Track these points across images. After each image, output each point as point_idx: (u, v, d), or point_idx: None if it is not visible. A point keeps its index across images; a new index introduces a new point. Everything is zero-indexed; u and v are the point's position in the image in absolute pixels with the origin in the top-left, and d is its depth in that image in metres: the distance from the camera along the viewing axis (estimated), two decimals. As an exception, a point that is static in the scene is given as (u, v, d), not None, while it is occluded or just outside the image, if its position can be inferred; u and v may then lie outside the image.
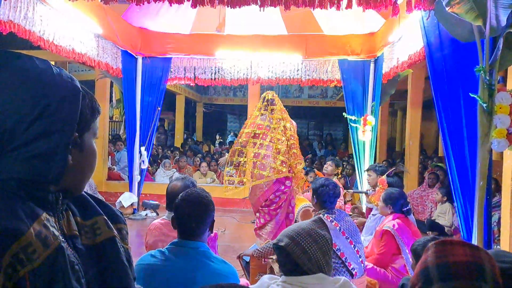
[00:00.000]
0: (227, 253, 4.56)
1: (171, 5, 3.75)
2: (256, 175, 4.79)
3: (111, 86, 9.42)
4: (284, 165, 4.79)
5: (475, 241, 2.97)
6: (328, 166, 6.26)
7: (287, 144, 4.86)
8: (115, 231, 1.01)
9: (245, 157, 4.94)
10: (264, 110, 4.99)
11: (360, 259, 3.10)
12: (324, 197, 3.22)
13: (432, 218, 6.45)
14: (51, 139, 0.84)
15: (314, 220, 1.85)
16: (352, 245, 3.09)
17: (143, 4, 3.68)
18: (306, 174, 7.30)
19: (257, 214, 4.82)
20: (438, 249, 1.04)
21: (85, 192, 1.02)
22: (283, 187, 4.77)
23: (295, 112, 19.87)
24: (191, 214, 2.06)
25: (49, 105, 0.84)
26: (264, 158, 4.80)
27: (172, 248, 2.03)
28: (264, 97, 5.05)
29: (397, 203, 3.79)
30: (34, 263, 0.78)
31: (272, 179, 4.73)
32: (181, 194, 2.16)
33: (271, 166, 4.75)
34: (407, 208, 3.85)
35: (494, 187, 4.97)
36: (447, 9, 2.93)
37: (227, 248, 5.07)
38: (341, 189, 6.10)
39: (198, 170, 9.04)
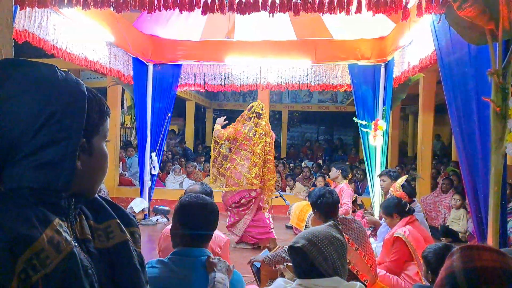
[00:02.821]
0: (238, 259, 4.55)
1: (181, 13, 3.77)
2: (231, 182, 5.40)
3: (123, 93, 9.50)
4: (258, 178, 5.42)
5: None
6: (332, 172, 6.31)
7: (264, 158, 5.47)
8: (128, 234, 1.02)
9: (228, 162, 5.58)
10: (251, 122, 5.37)
11: (371, 268, 3.06)
12: (325, 207, 3.19)
13: (446, 224, 6.38)
14: (58, 147, 0.84)
15: (329, 225, 1.87)
16: (362, 256, 3.05)
17: (154, 12, 3.71)
18: (316, 179, 7.31)
19: (228, 213, 5.50)
20: (465, 254, 1.03)
21: (98, 195, 1.02)
22: (253, 193, 5.44)
23: (304, 117, 20.04)
24: (201, 217, 2.01)
25: (54, 113, 0.84)
26: (239, 167, 5.35)
27: (174, 258, 1.95)
28: (254, 109, 5.41)
29: (397, 207, 3.77)
30: (47, 268, 0.79)
31: (244, 188, 5.40)
32: (183, 198, 2.11)
33: (245, 176, 5.38)
34: (409, 206, 3.82)
35: (509, 192, 4.89)
36: (458, 12, 2.90)
37: (238, 254, 5.06)
38: (351, 192, 6.11)
39: (208, 175, 9.04)
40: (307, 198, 5.40)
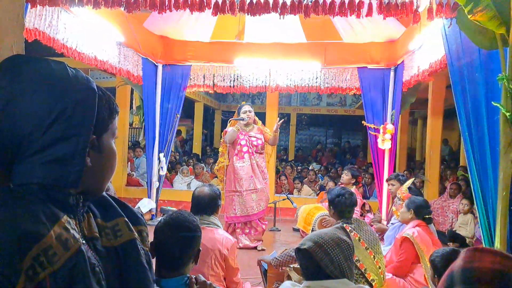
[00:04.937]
0: (244, 260, 4.55)
1: (192, 13, 3.78)
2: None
3: (132, 93, 9.54)
4: None
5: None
6: (344, 176, 6.21)
7: None
8: (135, 233, 1.02)
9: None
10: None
11: (380, 270, 3.05)
12: (341, 207, 3.20)
13: (453, 229, 6.33)
14: (68, 143, 0.85)
15: (336, 227, 1.88)
16: (372, 256, 3.05)
17: (165, 12, 3.72)
18: (327, 183, 7.27)
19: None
20: (468, 255, 1.04)
21: (106, 193, 1.03)
22: None
23: (313, 120, 19.98)
24: (175, 240, 1.80)
25: (65, 109, 0.84)
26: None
27: None
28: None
29: (419, 208, 3.75)
30: (55, 265, 0.79)
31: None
32: (163, 217, 1.96)
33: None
34: (429, 216, 3.80)
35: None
36: (469, 17, 2.89)
37: (244, 255, 5.04)
38: (359, 199, 6.05)
39: (216, 177, 9.04)
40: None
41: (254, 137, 5.56)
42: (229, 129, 5.56)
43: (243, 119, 5.53)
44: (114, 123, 0.97)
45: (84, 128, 0.87)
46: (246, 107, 5.65)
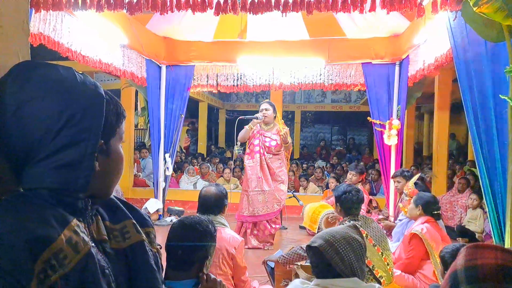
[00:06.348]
0: (252, 259, 4.55)
1: (194, 14, 3.78)
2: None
3: (136, 94, 9.57)
4: None
5: (507, 247, 2.88)
6: (353, 177, 6.04)
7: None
8: (143, 235, 1.03)
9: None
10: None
11: (388, 267, 3.04)
12: (348, 204, 3.18)
13: (462, 224, 6.30)
14: (77, 148, 0.85)
15: (349, 226, 1.87)
16: (380, 253, 3.03)
17: (167, 13, 3.72)
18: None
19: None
20: (469, 252, 1.03)
21: (114, 196, 1.03)
22: None
23: (317, 117, 19.95)
24: (180, 239, 1.81)
25: (74, 115, 0.85)
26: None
27: None
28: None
29: (428, 204, 3.73)
30: (65, 268, 0.80)
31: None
32: (182, 216, 1.99)
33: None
34: (438, 212, 3.78)
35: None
36: (474, 9, 2.86)
37: (250, 253, 5.05)
38: (366, 197, 6.01)
39: (222, 176, 9.07)
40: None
41: (269, 137, 5.46)
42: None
43: (257, 118, 5.47)
44: (121, 127, 0.98)
45: (92, 133, 0.88)
46: (263, 105, 5.53)
